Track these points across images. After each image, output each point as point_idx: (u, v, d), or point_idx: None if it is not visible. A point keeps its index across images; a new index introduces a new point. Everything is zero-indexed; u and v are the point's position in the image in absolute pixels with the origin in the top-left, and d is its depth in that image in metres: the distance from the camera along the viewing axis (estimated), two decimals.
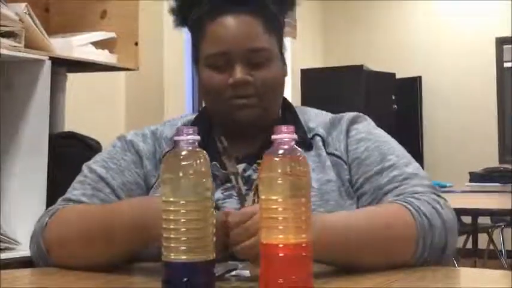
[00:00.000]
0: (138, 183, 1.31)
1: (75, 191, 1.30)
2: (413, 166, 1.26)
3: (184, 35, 4.98)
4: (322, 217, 1.09)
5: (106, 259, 1.14)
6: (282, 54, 1.33)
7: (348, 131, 1.31)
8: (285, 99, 1.37)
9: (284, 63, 1.34)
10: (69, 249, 1.19)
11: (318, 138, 1.31)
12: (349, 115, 1.34)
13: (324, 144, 1.31)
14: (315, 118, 1.36)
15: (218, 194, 1.26)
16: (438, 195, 1.21)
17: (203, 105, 1.41)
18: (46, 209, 2.15)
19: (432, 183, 1.26)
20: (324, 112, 1.39)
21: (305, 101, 5.74)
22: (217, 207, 1.18)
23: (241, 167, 1.29)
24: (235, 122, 1.28)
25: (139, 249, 1.13)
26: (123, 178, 1.30)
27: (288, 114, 1.35)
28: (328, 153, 1.30)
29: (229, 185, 1.27)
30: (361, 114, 1.36)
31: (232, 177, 1.27)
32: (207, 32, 1.28)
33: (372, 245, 1.09)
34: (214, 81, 1.27)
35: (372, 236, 1.10)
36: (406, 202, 1.16)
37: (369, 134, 1.31)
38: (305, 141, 1.30)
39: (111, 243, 1.13)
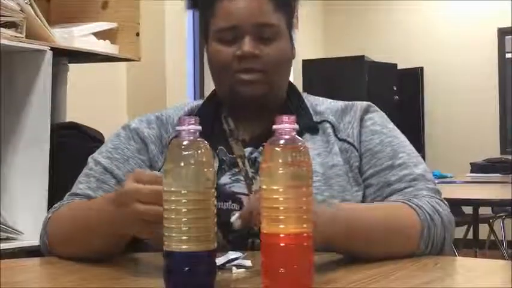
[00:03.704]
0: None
1: (80, 184, 1.31)
2: (422, 167, 1.29)
3: (185, 25, 4.98)
4: (346, 210, 1.10)
5: (94, 255, 1.14)
6: (291, 35, 1.35)
7: (362, 119, 1.33)
8: (290, 83, 1.39)
9: (293, 46, 1.36)
10: (63, 244, 1.20)
11: (328, 124, 1.33)
12: (362, 103, 1.36)
13: (334, 130, 1.32)
14: (323, 103, 1.38)
15: (226, 179, 1.27)
16: (439, 199, 1.24)
17: (205, 95, 1.42)
18: (48, 199, 2.17)
19: (434, 173, 1.28)
20: (330, 99, 1.40)
21: (306, 92, 5.72)
22: (225, 192, 1.23)
23: (247, 150, 1.30)
24: (240, 98, 1.29)
25: (121, 237, 1.11)
26: (128, 167, 1.30)
27: (294, 97, 1.37)
28: (340, 139, 1.31)
29: (236, 170, 1.28)
30: (372, 104, 1.38)
31: (239, 160, 1.28)
32: (217, 8, 1.30)
33: (385, 238, 1.12)
34: (222, 54, 1.29)
35: (386, 229, 1.12)
36: (410, 201, 1.20)
37: (383, 128, 1.33)
38: (311, 125, 1.32)
39: (91, 236, 1.12)
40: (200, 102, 1.40)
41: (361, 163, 1.29)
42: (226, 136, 1.32)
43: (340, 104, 1.37)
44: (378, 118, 1.35)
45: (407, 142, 1.34)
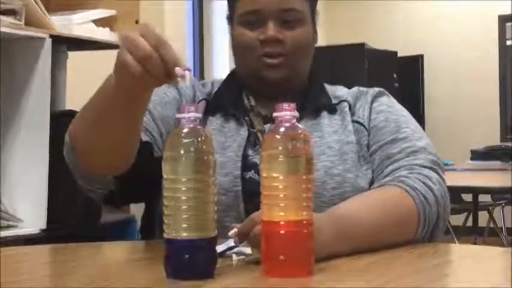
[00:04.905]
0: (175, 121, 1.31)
1: None
2: (425, 141, 1.31)
3: (185, 13, 4.96)
4: (345, 218, 1.10)
5: (107, 129, 1.12)
6: (314, 22, 1.39)
7: (372, 102, 1.37)
8: (311, 71, 1.42)
9: (315, 32, 1.40)
10: (81, 131, 1.19)
11: (345, 104, 1.37)
12: (374, 90, 1.41)
13: (350, 111, 1.36)
14: (342, 90, 1.43)
15: (250, 151, 1.30)
16: (435, 171, 1.25)
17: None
18: (47, 188, 2.17)
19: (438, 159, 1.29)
20: (347, 88, 1.45)
21: None
22: (248, 162, 1.27)
23: (267, 126, 1.33)
24: (263, 81, 1.33)
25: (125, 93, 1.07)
26: (164, 111, 1.32)
27: (314, 83, 1.42)
28: (353, 121, 1.35)
29: (257, 147, 1.30)
30: (384, 90, 1.43)
31: (259, 134, 1.32)
32: None
33: (387, 236, 1.13)
34: (246, 38, 1.32)
35: (388, 227, 1.13)
36: (400, 182, 1.20)
37: (389, 107, 1.37)
38: (329, 105, 1.36)
39: (102, 106, 1.12)
40: (224, 78, 1.44)
41: (368, 139, 1.33)
42: (247, 111, 1.36)
43: (355, 90, 1.42)
44: (386, 101, 1.39)
45: (414, 120, 1.36)
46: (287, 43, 1.31)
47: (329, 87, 1.43)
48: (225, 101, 1.36)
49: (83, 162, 1.20)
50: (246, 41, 1.32)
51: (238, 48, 1.35)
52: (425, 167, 1.24)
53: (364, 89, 1.41)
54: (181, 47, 4.74)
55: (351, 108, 1.37)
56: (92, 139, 1.15)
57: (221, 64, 5.33)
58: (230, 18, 1.38)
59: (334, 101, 1.38)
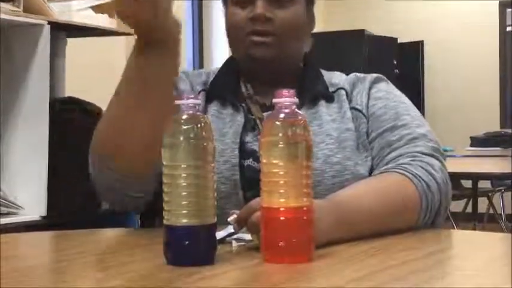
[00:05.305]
0: None
1: None
2: (425, 128, 1.30)
3: (185, 1, 4.95)
4: (345, 204, 1.09)
5: (137, 110, 1.17)
6: (309, 5, 1.37)
7: (370, 89, 1.36)
8: (307, 56, 1.41)
9: (312, 15, 1.39)
10: (107, 132, 1.19)
11: (343, 91, 1.36)
12: (372, 76, 1.40)
13: (347, 98, 1.35)
14: (339, 76, 1.41)
15: (248, 138, 1.30)
16: (437, 158, 1.24)
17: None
18: (48, 175, 2.17)
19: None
20: (344, 74, 1.44)
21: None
22: (247, 149, 1.27)
23: (266, 114, 1.32)
24: (252, 59, 1.32)
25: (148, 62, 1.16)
26: None
27: (310, 69, 1.40)
28: (351, 108, 1.34)
29: (255, 131, 1.30)
30: (382, 76, 1.41)
31: (258, 121, 1.32)
32: None
33: (388, 222, 1.13)
34: (237, 17, 1.32)
35: (389, 214, 1.13)
36: (403, 169, 1.20)
37: (388, 94, 1.36)
38: (326, 94, 1.35)
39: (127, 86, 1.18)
40: (220, 66, 1.44)
41: (367, 127, 1.32)
42: (244, 99, 1.35)
43: (352, 76, 1.40)
44: (385, 87, 1.38)
45: (414, 107, 1.35)
46: (276, 22, 1.30)
47: (326, 73, 1.42)
48: (222, 87, 1.36)
49: (122, 155, 1.17)
50: (236, 20, 1.32)
51: (229, 27, 1.35)
52: (426, 154, 1.23)
53: (362, 75, 1.40)
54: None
55: (348, 95, 1.36)
56: (131, 120, 1.17)
57: (220, 56, 5.32)
58: (225, 1, 1.38)
59: (331, 89, 1.37)
